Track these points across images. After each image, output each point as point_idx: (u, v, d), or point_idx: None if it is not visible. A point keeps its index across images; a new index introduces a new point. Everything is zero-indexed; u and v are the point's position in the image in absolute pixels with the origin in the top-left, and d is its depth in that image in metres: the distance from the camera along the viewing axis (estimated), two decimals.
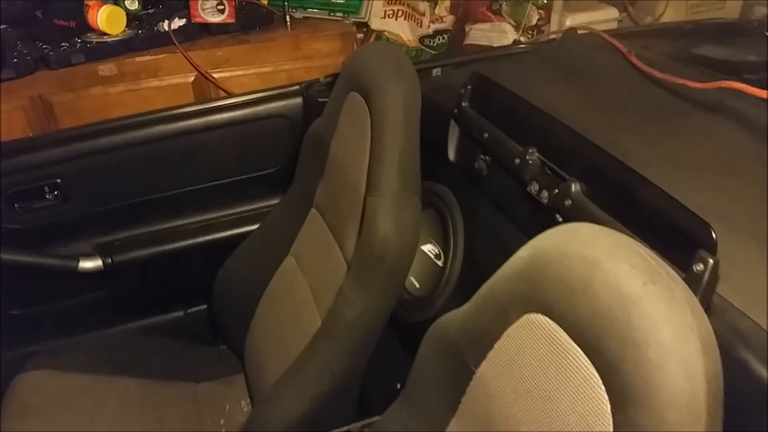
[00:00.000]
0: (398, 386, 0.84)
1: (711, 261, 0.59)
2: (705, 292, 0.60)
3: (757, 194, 0.75)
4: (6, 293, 1.27)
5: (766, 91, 0.72)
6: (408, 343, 1.10)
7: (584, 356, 0.51)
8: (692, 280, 0.61)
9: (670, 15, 2.06)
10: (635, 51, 1.13)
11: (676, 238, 0.63)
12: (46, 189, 1.23)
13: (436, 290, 1.05)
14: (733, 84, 0.78)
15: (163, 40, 1.67)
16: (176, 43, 1.65)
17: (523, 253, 0.59)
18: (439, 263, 1.10)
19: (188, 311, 1.45)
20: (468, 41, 2.13)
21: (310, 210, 1.20)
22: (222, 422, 1.23)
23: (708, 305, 0.61)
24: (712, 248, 0.60)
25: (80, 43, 1.61)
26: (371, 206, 0.93)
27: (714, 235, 0.60)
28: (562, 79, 1.08)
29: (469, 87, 1.01)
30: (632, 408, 0.46)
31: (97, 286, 1.34)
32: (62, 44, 1.60)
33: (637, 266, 0.49)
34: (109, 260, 1.28)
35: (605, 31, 1.28)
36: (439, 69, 1.37)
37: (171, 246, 1.33)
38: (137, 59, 1.65)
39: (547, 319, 0.56)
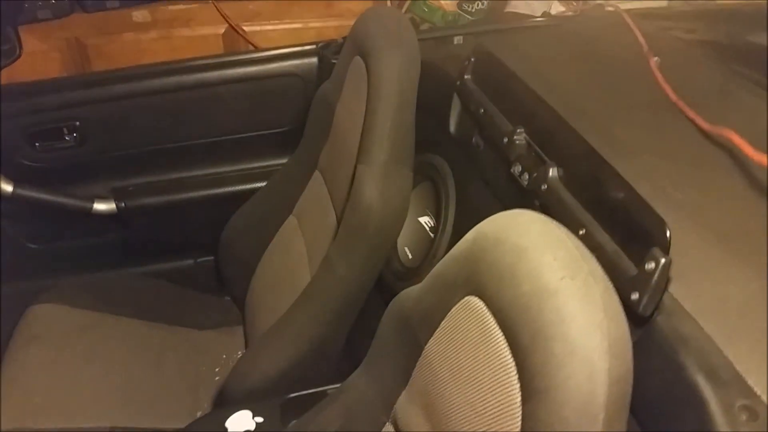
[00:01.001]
0: None
1: (663, 260, 0.57)
2: (653, 291, 0.58)
3: (745, 197, 0.72)
4: (25, 228, 1.34)
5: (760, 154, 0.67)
6: None
7: (505, 343, 0.51)
8: (642, 278, 0.59)
9: None
10: (669, 39, 1.06)
11: (633, 233, 0.62)
12: (65, 130, 1.27)
13: (423, 263, 1.05)
14: (731, 135, 0.72)
15: None
16: None
17: (469, 235, 0.59)
18: (433, 236, 1.09)
19: (197, 260, 1.49)
20: (508, 9, 2.06)
21: (314, 172, 1.21)
22: (217, 370, 1.28)
23: (656, 304, 0.59)
24: (665, 247, 0.58)
25: None
26: (360, 174, 0.94)
27: (668, 234, 0.58)
28: (573, 59, 1.04)
29: (472, 60, 0.99)
30: (535, 400, 0.46)
31: (110, 228, 1.39)
32: None
33: (561, 259, 0.48)
34: (123, 204, 1.33)
35: (637, 11, 1.22)
36: (460, 37, 1.34)
37: (182, 196, 1.37)
38: (170, 7, 1.66)
39: (480, 302, 0.56)
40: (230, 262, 1.37)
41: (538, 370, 0.46)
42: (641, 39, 1.03)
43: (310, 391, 0.95)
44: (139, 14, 1.64)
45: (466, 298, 0.58)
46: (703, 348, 0.56)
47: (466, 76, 1.00)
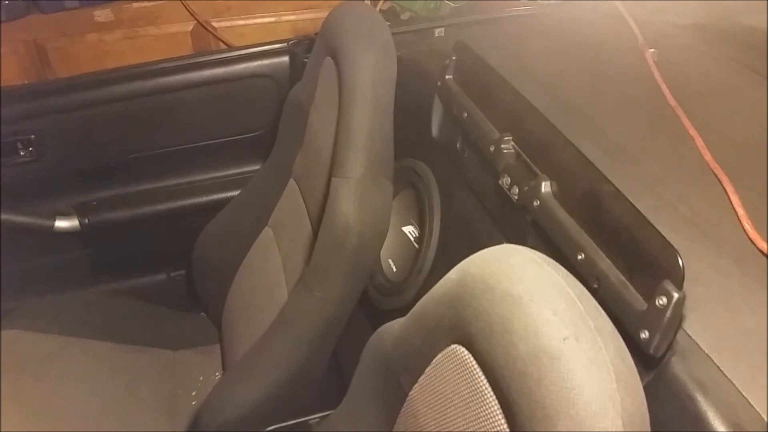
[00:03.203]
0: None
1: (675, 296, 0.50)
2: (666, 329, 0.51)
3: (759, 209, 0.64)
4: None
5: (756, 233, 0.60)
6: None
7: (498, 407, 0.44)
8: (653, 314, 0.52)
9: None
10: (661, 26, 0.99)
11: (641, 263, 0.54)
12: (19, 145, 1.18)
13: (408, 277, 0.98)
14: (728, 187, 0.65)
15: None
16: None
17: (453, 275, 0.51)
18: (417, 247, 1.02)
19: (170, 275, 1.41)
20: None
21: (289, 180, 1.13)
22: (194, 394, 1.20)
23: (669, 344, 0.52)
24: (678, 280, 0.51)
25: None
26: (335, 188, 0.86)
27: (682, 266, 0.50)
28: (561, 51, 0.96)
29: (453, 58, 0.91)
30: None
31: (74, 245, 1.31)
32: None
33: (561, 314, 0.40)
34: (86, 220, 1.25)
35: None
36: (442, 29, 1.25)
37: (150, 209, 1.29)
38: (135, 5, 1.57)
39: (469, 355, 0.48)
40: (204, 277, 1.29)
41: None
42: (636, 30, 0.95)
43: (291, 422, 0.88)
44: (102, 13, 1.55)
45: (452, 346, 0.51)
46: (726, 396, 0.49)
47: (447, 77, 0.91)
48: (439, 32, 1.25)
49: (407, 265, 1.02)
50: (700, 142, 0.74)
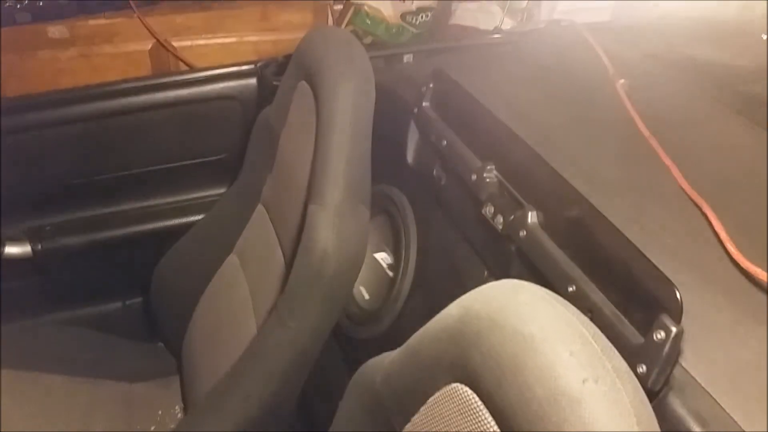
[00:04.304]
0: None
1: (674, 330, 0.50)
2: (664, 364, 0.51)
3: (743, 239, 0.66)
4: None
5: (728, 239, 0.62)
6: (352, 361, 1.02)
7: None
8: (651, 349, 0.52)
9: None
10: (622, 54, 1.02)
11: (637, 296, 0.54)
12: None
13: (384, 306, 0.96)
14: (709, 213, 0.67)
15: (121, 3, 1.54)
16: (133, 5, 1.52)
17: (454, 311, 0.50)
18: (391, 274, 1.00)
19: (126, 303, 1.35)
20: (453, 21, 2.00)
21: (257, 205, 1.09)
22: (152, 428, 1.15)
23: (667, 379, 0.52)
24: (676, 314, 0.51)
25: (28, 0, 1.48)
26: (312, 215, 0.83)
27: (680, 299, 0.51)
28: (533, 80, 0.98)
29: (430, 85, 0.90)
30: None
31: (25, 273, 1.23)
32: (7, 0, 1.46)
33: (578, 355, 0.39)
34: (39, 246, 1.18)
35: (592, 25, 1.17)
36: (410, 55, 1.25)
37: (108, 233, 1.23)
38: (91, 22, 1.51)
39: (474, 395, 0.46)
40: (164, 305, 1.23)
41: None
42: (605, 60, 0.97)
43: None
44: (56, 30, 1.48)
45: (452, 384, 0.49)
46: (725, 429, 0.49)
47: (424, 104, 0.91)
48: (407, 58, 1.25)
49: (381, 293, 1.01)
50: (675, 171, 0.75)
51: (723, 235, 0.64)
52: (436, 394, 0.51)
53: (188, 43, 1.59)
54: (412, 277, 0.92)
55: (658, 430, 0.38)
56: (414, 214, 0.94)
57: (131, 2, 1.51)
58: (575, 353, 0.40)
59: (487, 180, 0.75)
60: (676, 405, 0.51)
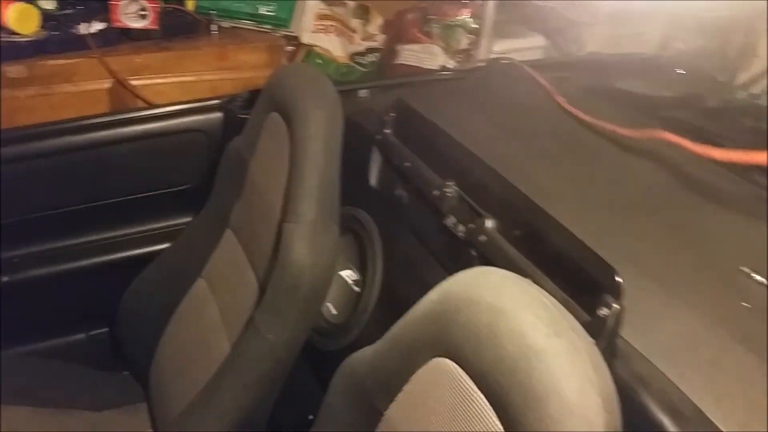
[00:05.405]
0: (310, 417, 0.81)
1: (615, 306, 0.60)
2: (609, 336, 0.60)
3: (668, 237, 0.77)
4: None
5: (702, 147, 0.73)
6: (321, 373, 1.07)
7: (488, 406, 0.50)
8: (597, 324, 0.61)
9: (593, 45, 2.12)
10: (559, 86, 1.15)
11: (582, 281, 0.64)
12: None
13: (351, 318, 1.03)
14: (665, 135, 0.79)
15: (80, 44, 1.58)
16: (92, 46, 1.57)
17: (434, 295, 0.58)
18: (357, 290, 1.07)
19: (89, 333, 1.36)
20: (399, 61, 2.13)
21: (225, 231, 1.15)
22: None
23: (612, 350, 0.61)
24: (616, 293, 0.60)
25: None
26: (287, 232, 0.90)
27: (619, 280, 0.60)
28: (484, 110, 1.09)
29: (392, 114, 1.00)
30: None
31: None
32: None
33: (541, 317, 0.48)
34: (4, 278, 1.19)
35: (529, 62, 1.30)
36: (366, 90, 1.35)
37: (73, 264, 1.25)
38: (50, 62, 1.55)
39: (454, 364, 0.54)
40: (130, 333, 1.25)
41: (532, 431, 0.45)
42: (545, 83, 1.10)
43: None
44: (14, 69, 1.51)
45: (434, 360, 0.57)
46: (663, 387, 0.58)
47: (386, 131, 1.00)
48: (363, 93, 1.35)
49: (347, 307, 1.07)
50: None
51: None
52: (419, 371, 0.59)
53: (147, 81, 1.64)
54: (379, 289, 1.00)
55: (611, 377, 0.47)
56: (379, 230, 1.02)
57: (90, 43, 1.56)
58: (539, 316, 0.48)
59: (448, 194, 0.84)
60: (621, 371, 0.60)
